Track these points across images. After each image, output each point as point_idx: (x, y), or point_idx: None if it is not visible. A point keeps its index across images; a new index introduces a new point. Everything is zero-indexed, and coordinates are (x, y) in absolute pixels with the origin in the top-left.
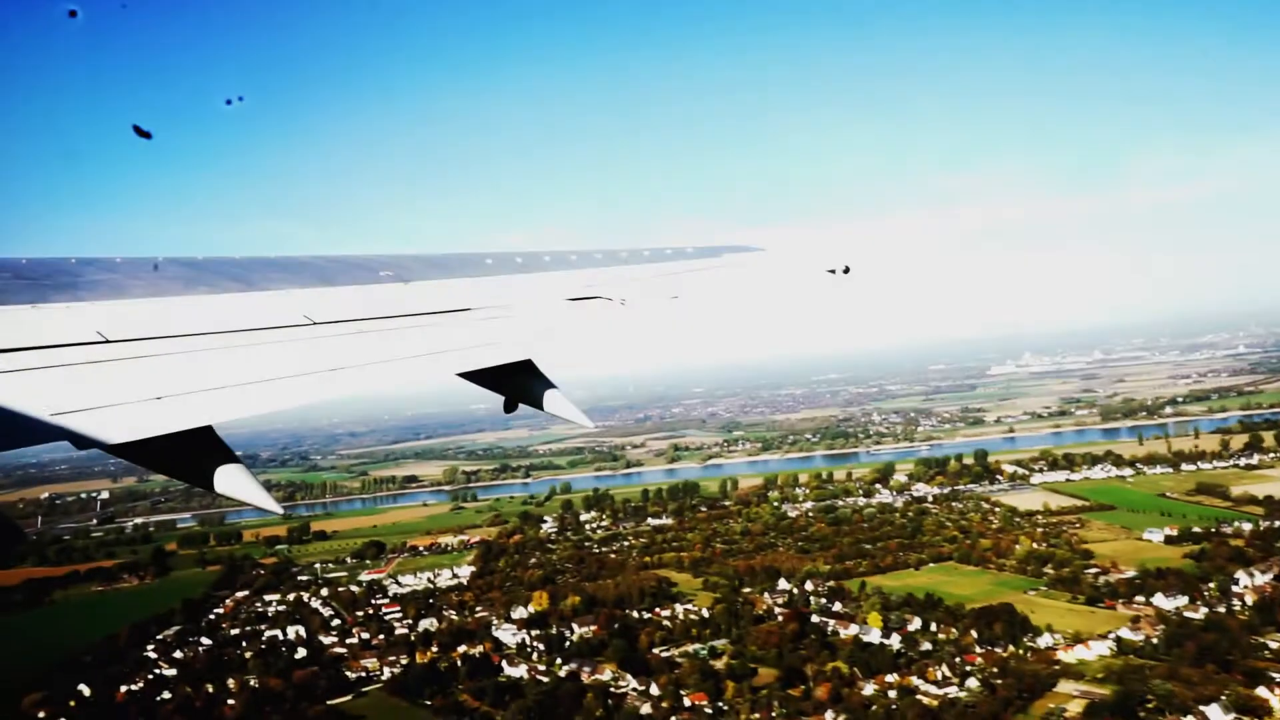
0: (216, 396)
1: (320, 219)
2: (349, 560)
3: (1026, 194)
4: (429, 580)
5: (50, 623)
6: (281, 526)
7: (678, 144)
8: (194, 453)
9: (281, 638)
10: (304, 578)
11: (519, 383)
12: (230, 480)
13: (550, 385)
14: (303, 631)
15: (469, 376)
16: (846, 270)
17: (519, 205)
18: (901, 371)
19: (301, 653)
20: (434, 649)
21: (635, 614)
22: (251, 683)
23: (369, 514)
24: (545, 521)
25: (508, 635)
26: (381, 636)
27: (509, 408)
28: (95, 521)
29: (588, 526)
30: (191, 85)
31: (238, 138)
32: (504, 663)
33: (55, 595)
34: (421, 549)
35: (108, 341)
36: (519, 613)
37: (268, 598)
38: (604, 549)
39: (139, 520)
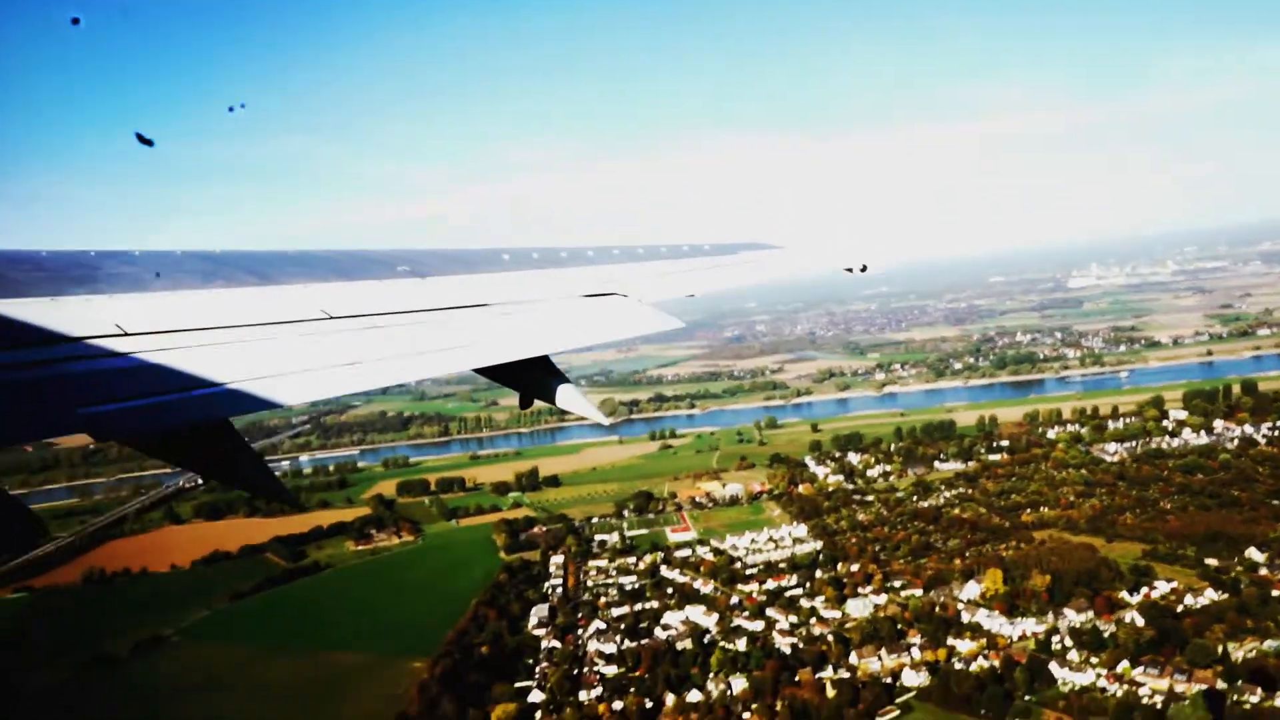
0: (235, 390)
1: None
2: (627, 514)
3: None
4: (769, 543)
5: (351, 593)
6: (495, 470)
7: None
8: (211, 446)
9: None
10: (602, 538)
11: (535, 379)
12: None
13: (566, 381)
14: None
15: (485, 372)
16: (864, 269)
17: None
18: (963, 285)
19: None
20: (942, 648)
21: (1126, 595)
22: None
23: (555, 452)
24: (805, 464)
25: (995, 624)
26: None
27: (524, 404)
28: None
29: (870, 472)
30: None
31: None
32: (1053, 664)
33: (313, 555)
34: (700, 500)
35: (126, 334)
36: (968, 592)
37: (594, 564)
38: (940, 505)
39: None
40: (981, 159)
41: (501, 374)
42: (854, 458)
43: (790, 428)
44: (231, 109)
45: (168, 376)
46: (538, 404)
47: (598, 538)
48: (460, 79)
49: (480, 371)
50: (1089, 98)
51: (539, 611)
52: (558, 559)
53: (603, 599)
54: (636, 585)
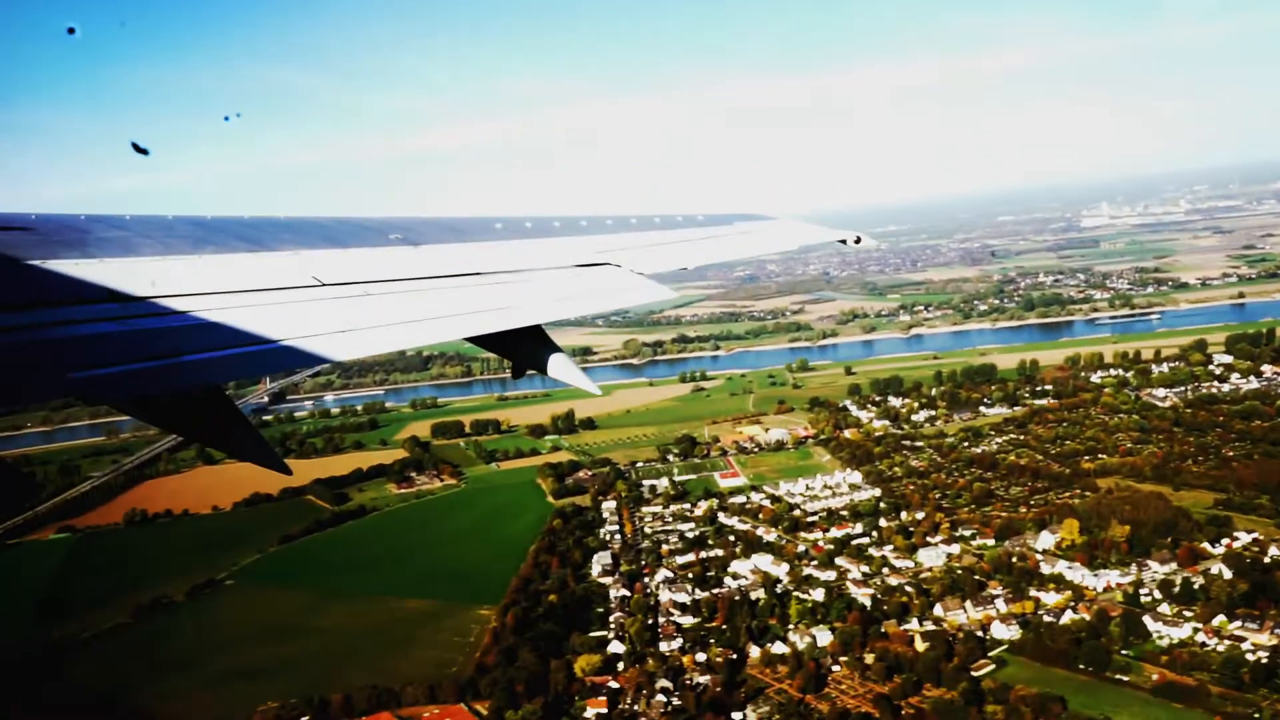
0: (226, 356)
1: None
2: (672, 458)
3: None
4: (825, 490)
5: (401, 538)
6: (526, 412)
7: None
8: (203, 412)
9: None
10: (651, 483)
11: (527, 348)
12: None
13: (558, 350)
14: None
15: (477, 341)
16: (858, 240)
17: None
18: (973, 224)
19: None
20: (1025, 598)
21: (1209, 546)
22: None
23: (585, 394)
24: (846, 408)
25: (1078, 575)
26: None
27: (516, 373)
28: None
29: (915, 417)
30: None
31: None
32: (1147, 618)
33: (356, 498)
34: (745, 445)
35: (117, 300)
36: (1043, 542)
37: (648, 510)
38: (994, 451)
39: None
40: (984, 95)
41: (494, 343)
42: (895, 402)
43: (821, 370)
44: (227, 118)
45: (159, 342)
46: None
47: (646, 482)
48: (460, 9)
49: (473, 340)
50: (1097, 30)
51: (601, 559)
52: (609, 504)
53: (664, 546)
54: (696, 532)
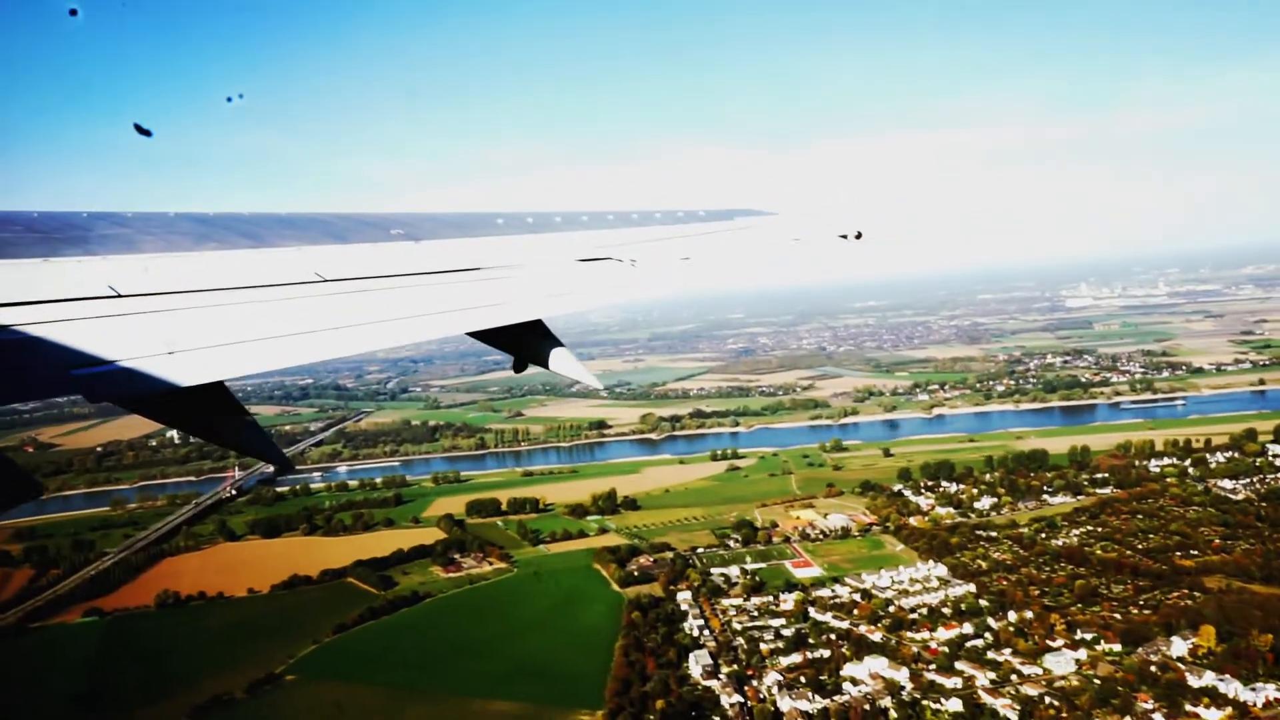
0: (228, 352)
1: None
2: (733, 544)
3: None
4: (912, 583)
5: (466, 629)
6: (556, 489)
7: (676, 61)
8: (205, 408)
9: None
10: (720, 570)
11: (529, 343)
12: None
13: (560, 345)
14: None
15: (479, 336)
16: (859, 235)
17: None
18: (953, 301)
19: None
20: None
21: None
22: None
23: (613, 471)
24: (898, 491)
25: (1230, 689)
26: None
27: (518, 367)
28: (234, 492)
29: (977, 505)
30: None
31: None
32: None
33: (403, 582)
34: (807, 531)
35: (119, 296)
36: (1176, 648)
37: (729, 603)
38: (1077, 544)
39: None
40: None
41: (495, 338)
42: (950, 487)
43: (856, 451)
44: (230, 99)
45: (161, 338)
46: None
47: (715, 571)
48: (438, 80)
49: (474, 335)
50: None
51: (700, 658)
52: (684, 595)
53: (763, 645)
54: (792, 630)
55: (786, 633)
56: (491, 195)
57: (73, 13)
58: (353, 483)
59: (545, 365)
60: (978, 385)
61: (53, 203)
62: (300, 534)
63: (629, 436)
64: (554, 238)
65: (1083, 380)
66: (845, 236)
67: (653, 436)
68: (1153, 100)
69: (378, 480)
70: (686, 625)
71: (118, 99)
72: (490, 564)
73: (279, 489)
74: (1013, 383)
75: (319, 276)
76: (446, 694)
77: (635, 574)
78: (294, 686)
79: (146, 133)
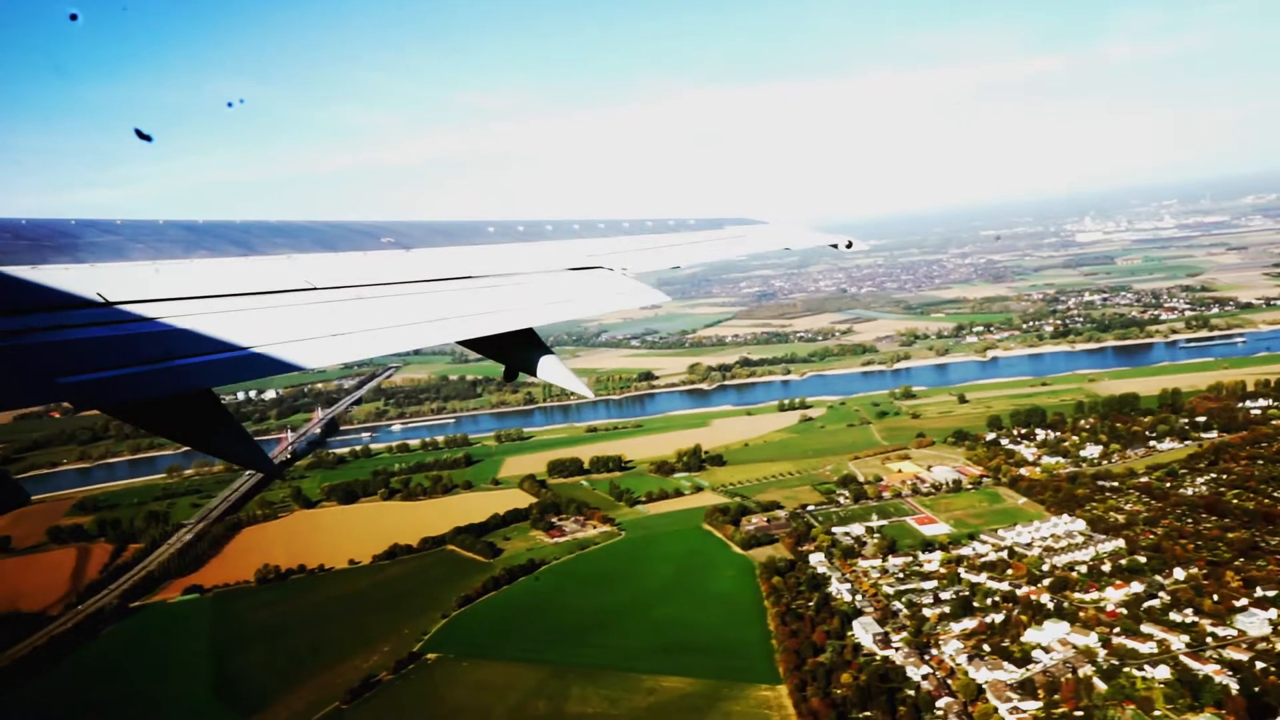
0: (218, 360)
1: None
2: (843, 501)
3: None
4: (1053, 539)
5: (598, 598)
6: (629, 445)
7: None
8: (192, 415)
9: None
10: (840, 530)
11: (520, 351)
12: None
13: (549, 353)
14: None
15: (470, 344)
16: (849, 245)
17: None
18: (956, 238)
19: None
20: None
21: None
22: None
23: (683, 424)
24: (993, 440)
25: None
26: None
27: (509, 376)
28: (291, 455)
29: (1083, 452)
30: None
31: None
32: None
33: (507, 549)
34: (915, 485)
35: (108, 304)
36: None
37: (866, 564)
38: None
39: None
40: (941, 110)
41: (486, 346)
42: (1044, 434)
43: (927, 398)
44: (230, 104)
45: (150, 346)
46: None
47: (836, 530)
48: (414, 23)
49: (465, 344)
50: (1044, 49)
51: (867, 626)
52: (817, 557)
53: (926, 610)
54: (950, 593)
55: (945, 596)
56: (471, 141)
57: (73, 17)
58: (413, 442)
59: (535, 374)
60: (1025, 326)
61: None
62: (378, 499)
63: (679, 387)
64: (545, 246)
65: (1132, 318)
66: (835, 245)
67: (704, 387)
68: (1138, 30)
69: (439, 440)
70: (833, 590)
71: (88, 54)
72: (594, 527)
73: (337, 450)
74: (1059, 323)
75: (309, 284)
76: (604, 670)
77: (754, 535)
78: (441, 666)
79: (147, 138)
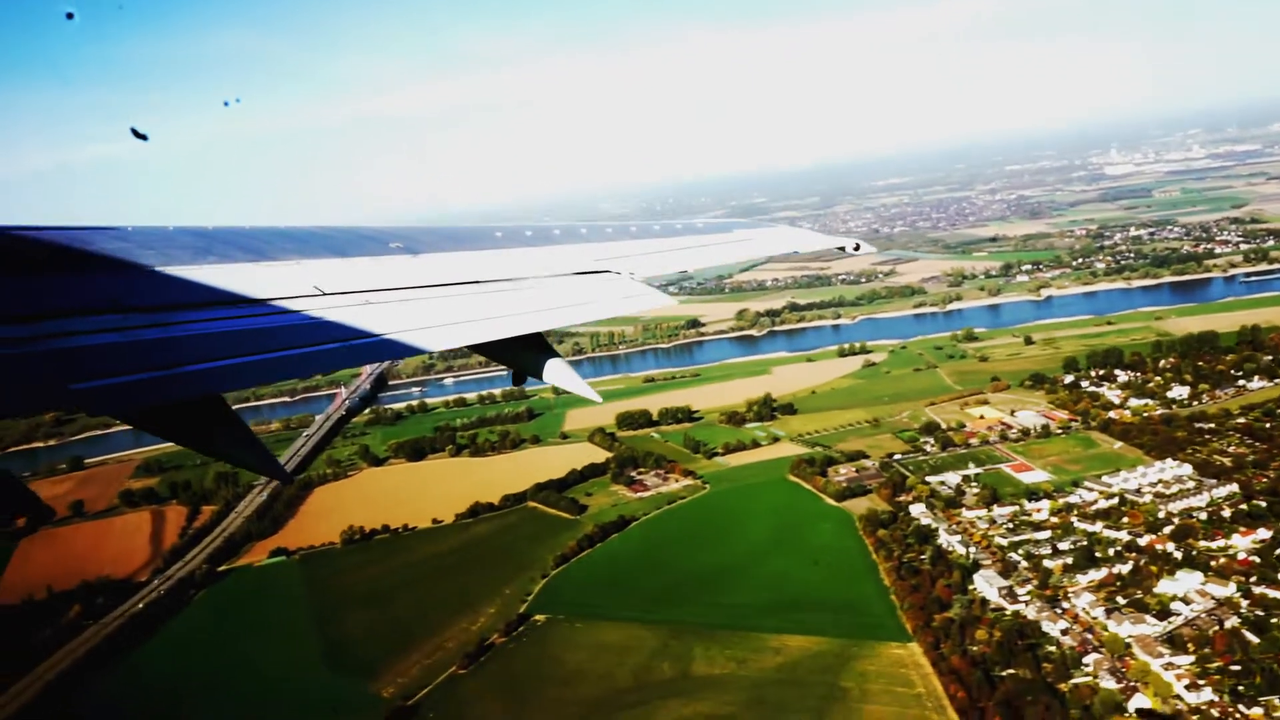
0: (227, 366)
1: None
2: (930, 449)
3: None
4: (1162, 485)
5: (697, 555)
6: (706, 394)
7: None
8: (203, 421)
9: None
10: (934, 479)
11: (528, 356)
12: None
13: (557, 357)
14: None
15: (478, 349)
16: (857, 248)
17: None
18: (981, 175)
19: None
20: None
21: None
22: None
23: (742, 372)
24: (1072, 382)
25: None
26: None
27: (517, 380)
28: (346, 411)
29: (1170, 394)
30: None
31: None
32: None
33: (591, 505)
34: (1009, 431)
35: (119, 311)
36: None
37: (971, 515)
38: None
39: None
40: (946, 42)
41: (495, 350)
42: (1123, 375)
43: (990, 340)
44: (227, 103)
45: (161, 352)
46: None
47: (930, 479)
48: None
49: (474, 348)
50: None
51: (990, 580)
52: (918, 508)
53: (1047, 562)
54: (1069, 543)
55: (1063, 546)
56: (473, 90)
57: (69, 16)
58: (469, 396)
59: (543, 378)
60: (1075, 264)
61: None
62: (446, 455)
63: (727, 334)
64: (552, 251)
65: (1187, 253)
66: (843, 249)
67: (753, 333)
68: None
69: (496, 393)
70: (942, 542)
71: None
72: (676, 481)
73: (393, 406)
74: (1110, 259)
75: (318, 290)
76: (722, 630)
77: (848, 487)
78: (551, 627)
79: (143, 137)
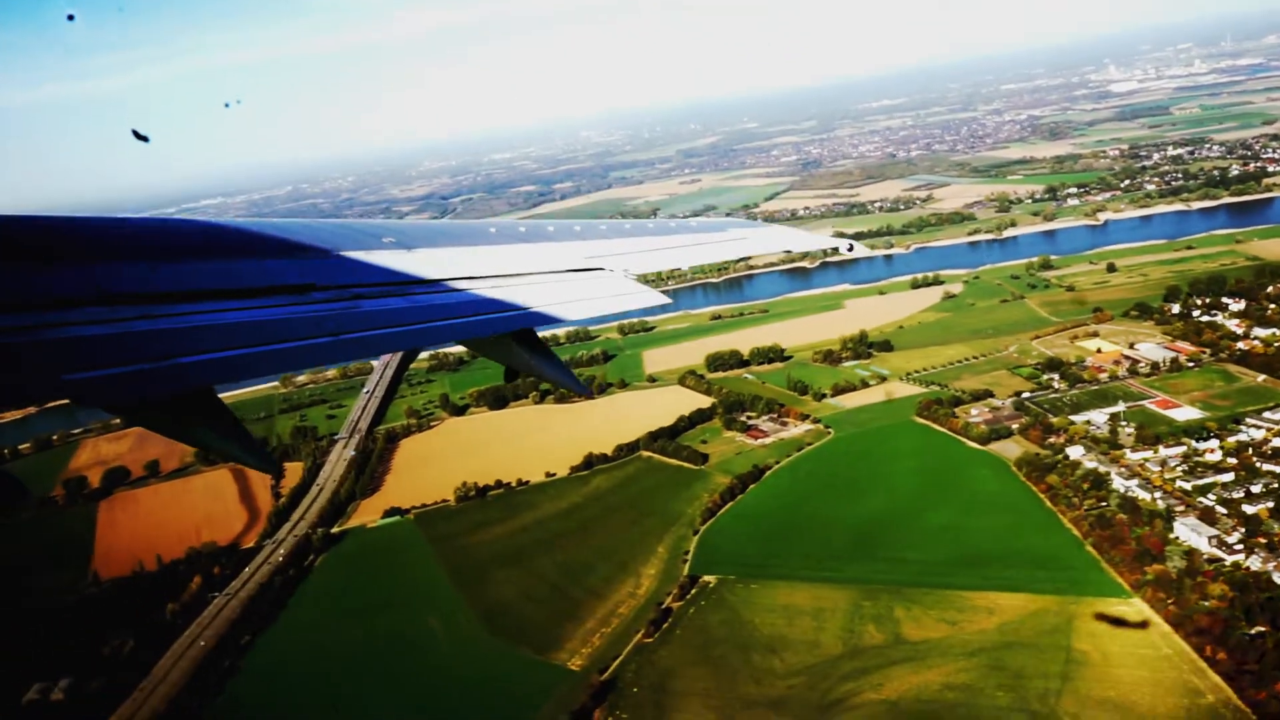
0: (218, 359)
1: None
2: (1058, 386)
3: None
4: None
5: (855, 509)
6: (784, 332)
7: None
8: (194, 415)
9: None
10: (1076, 419)
11: (521, 352)
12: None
13: (551, 354)
14: None
15: (471, 344)
16: (850, 248)
17: None
18: (974, 95)
19: None
20: None
21: None
22: None
23: (812, 307)
24: (1183, 312)
25: None
26: None
27: (509, 377)
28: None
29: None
30: None
31: None
32: None
33: (715, 453)
34: (1139, 366)
35: (111, 303)
36: None
37: (1135, 457)
38: None
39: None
40: None
41: (487, 346)
42: (1232, 304)
43: (1066, 268)
44: (227, 105)
45: (153, 345)
46: None
47: (1074, 419)
48: None
49: (465, 344)
50: None
51: (1195, 529)
52: (1075, 450)
53: (1246, 507)
54: (1260, 485)
55: (1255, 489)
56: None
57: (70, 17)
58: None
59: (536, 374)
60: (1123, 186)
61: None
62: (530, 402)
63: (777, 267)
64: (546, 247)
65: (1248, 173)
66: (836, 250)
67: (805, 265)
68: None
69: (559, 334)
70: (1117, 486)
71: None
72: (794, 425)
73: (456, 350)
74: (1162, 181)
75: (310, 283)
76: (916, 588)
77: (989, 430)
78: (725, 589)
79: (144, 138)
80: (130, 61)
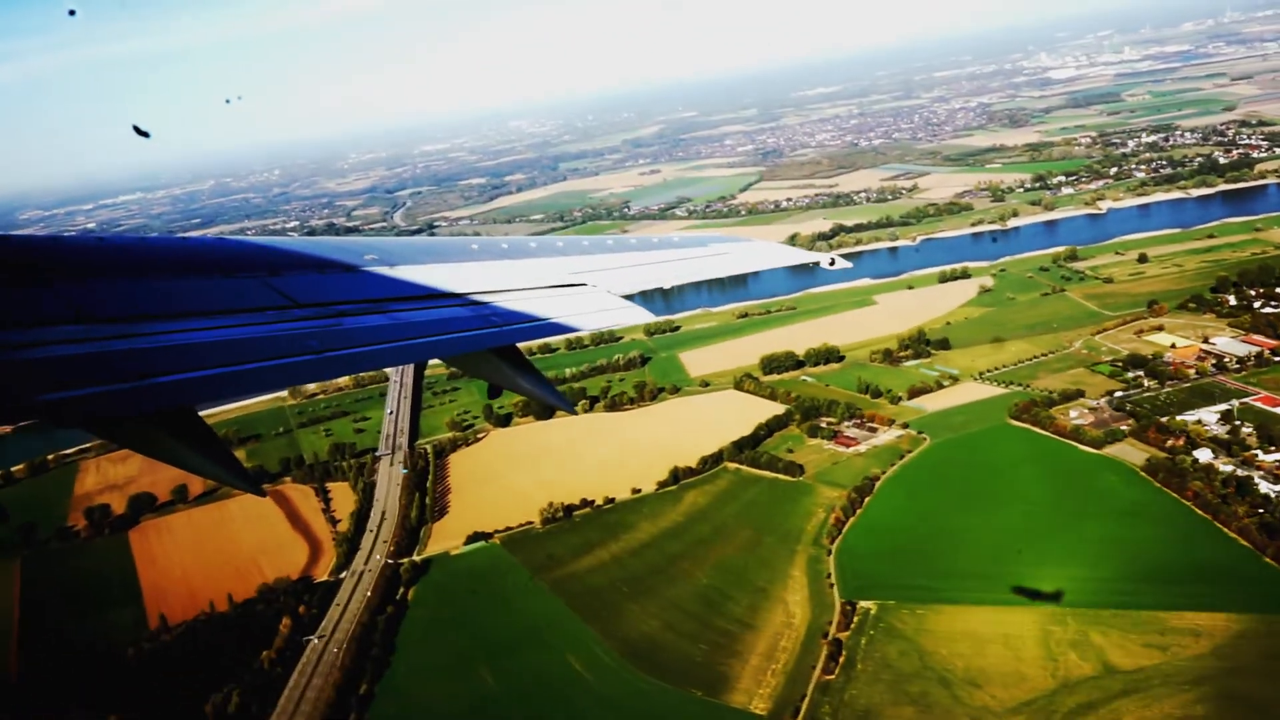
0: (196, 378)
1: None
2: (1146, 384)
3: None
4: None
5: (984, 523)
6: (813, 331)
7: None
8: (174, 433)
9: None
10: (1184, 418)
11: (502, 369)
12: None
13: (534, 370)
14: None
15: (453, 362)
16: (832, 263)
17: None
18: (909, 82)
19: None
20: None
21: None
22: None
23: (843, 303)
24: (1243, 304)
25: None
26: None
27: (492, 394)
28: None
29: None
30: None
31: None
32: None
33: (810, 464)
34: (1227, 361)
35: (85, 323)
36: None
37: (1267, 458)
38: None
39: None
40: None
41: (468, 363)
42: None
43: (1093, 258)
44: (228, 101)
45: (130, 364)
46: None
47: (1181, 419)
48: None
49: (448, 361)
50: None
51: None
52: (1202, 453)
53: None
54: None
55: None
56: None
57: (71, 13)
58: (553, 341)
59: (517, 390)
60: (1113, 174)
61: None
62: (579, 411)
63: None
64: (529, 264)
65: (1242, 159)
66: (818, 264)
67: (576, 411)
68: None
69: (583, 336)
70: (1266, 491)
71: None
72: (884, 431)
73: None
74: (1151, 169)
75: (291, 301)
76: (1098, 609)
77: (1102, 433)
78: (891, 616)
79: (145, 134)
80: (21, 50)
